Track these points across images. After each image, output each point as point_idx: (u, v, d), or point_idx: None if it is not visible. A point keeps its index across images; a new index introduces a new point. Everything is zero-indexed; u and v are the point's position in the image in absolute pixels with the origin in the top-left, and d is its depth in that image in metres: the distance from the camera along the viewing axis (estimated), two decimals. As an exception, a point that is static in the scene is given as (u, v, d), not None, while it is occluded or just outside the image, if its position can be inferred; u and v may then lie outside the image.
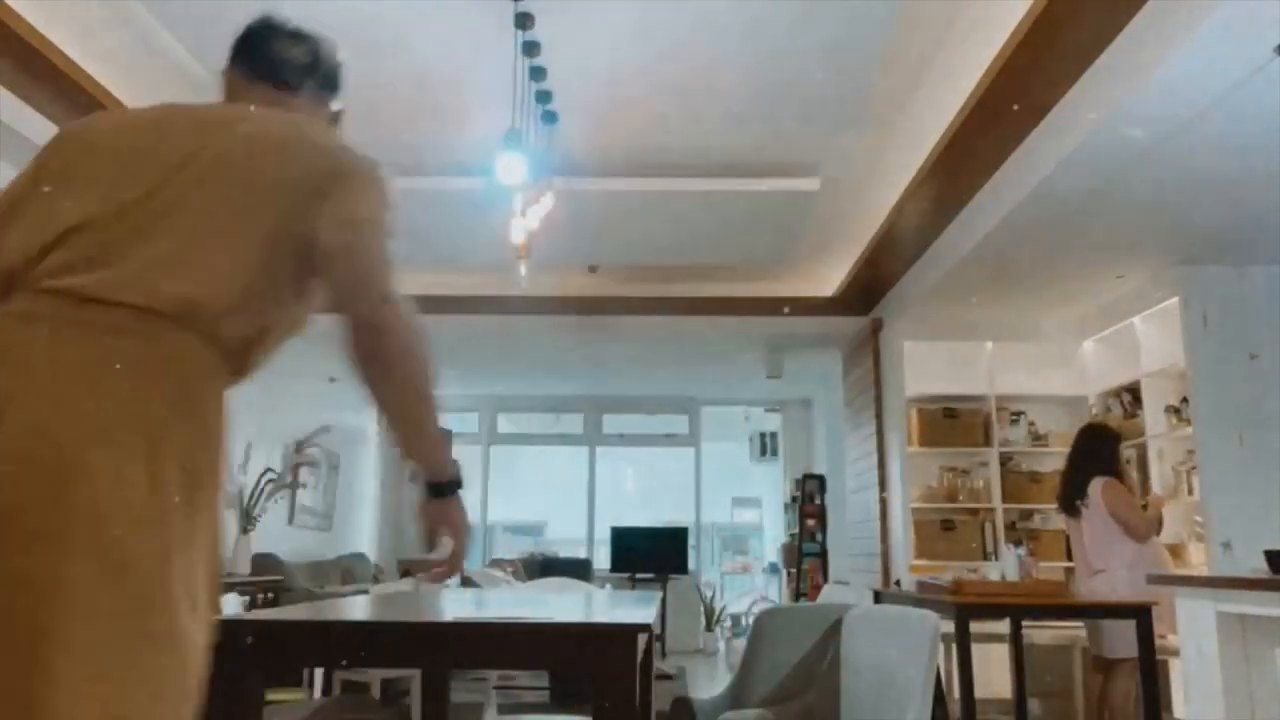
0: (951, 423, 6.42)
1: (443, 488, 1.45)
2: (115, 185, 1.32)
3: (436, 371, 1.37)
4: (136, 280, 1.25)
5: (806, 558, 9.13)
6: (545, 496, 11.66)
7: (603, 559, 9.77)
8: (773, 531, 11.09)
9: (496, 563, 8.07)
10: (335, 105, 1.64)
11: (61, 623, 1.09)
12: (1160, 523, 4.58)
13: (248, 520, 6.33)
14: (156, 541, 1.17)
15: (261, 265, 1.32)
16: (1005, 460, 6.38)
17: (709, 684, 6.90)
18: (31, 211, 1.32)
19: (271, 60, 1.54)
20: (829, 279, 6.72)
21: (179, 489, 1.21)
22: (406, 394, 1.35)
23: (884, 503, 6.69)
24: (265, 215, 1.33)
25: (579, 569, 8.93)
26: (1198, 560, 5.03)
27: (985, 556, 6.11)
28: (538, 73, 3.82)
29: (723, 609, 9.49)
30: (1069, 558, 5.51)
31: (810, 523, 9.21)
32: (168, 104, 1.46)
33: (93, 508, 1.13)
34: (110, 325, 1.22)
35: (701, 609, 9.42)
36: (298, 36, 1.58)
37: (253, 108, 1.49)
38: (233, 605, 3.27)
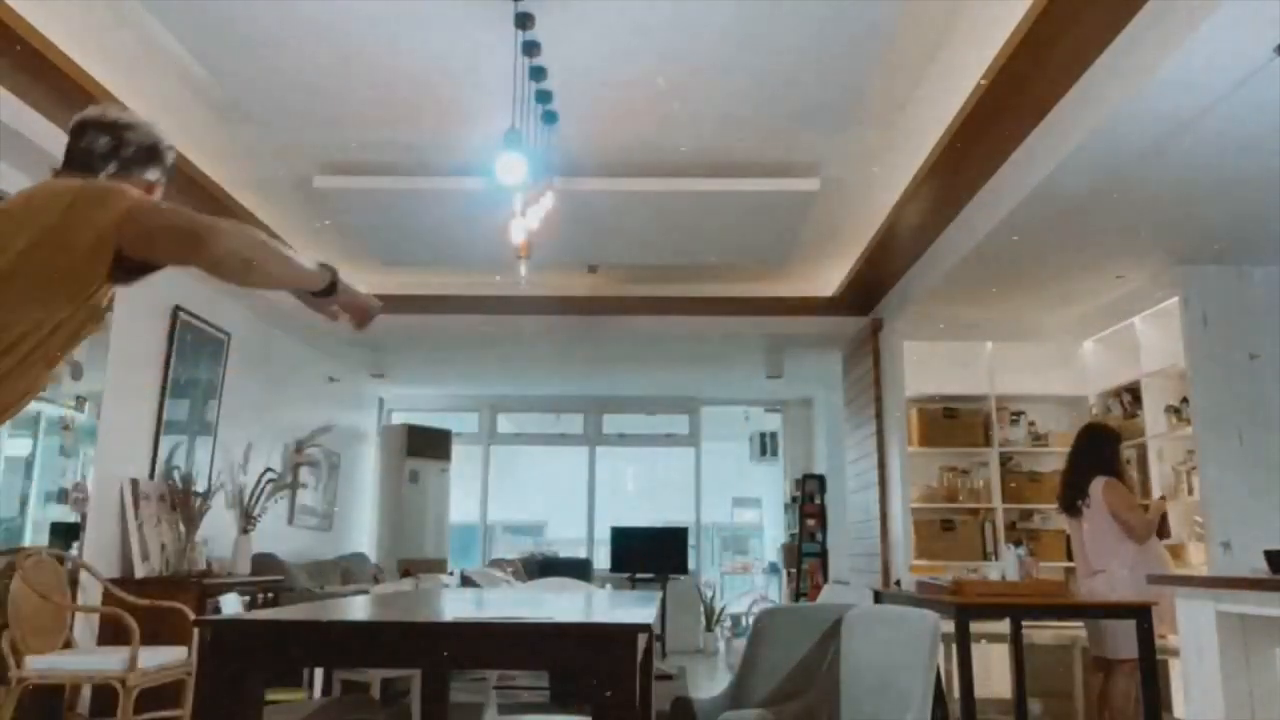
0: (951, 423, 6.42)
1: (330, 286, 1.85)
2: None
3: (264, 237, 1.70)
4: None
5: (806, 558, 9.13)
6: (545, 496, 11.65)
7: (603, 559, 9.76)
8: (773, 531, 11.08)
9: (496, 563, 8.08)
10: (150, 176, 1.92)
11: None
12: (1166, 524, 4.57)
13: (248, 520, 6.33)
14: None
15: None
16: (1005, 460, 6.38)
17: (709, 684, 6.90)
18: None
19: (74, 151, 1.86)
20: (829, 279, 6.71)
21: None
22: (282, 270, 1.76)
23: (884, 503, 6.69)
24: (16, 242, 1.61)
25: (579, 569, 8.93)
26: (1198, 560, 5.03)
27: (985, 556, 6.11)
28: (538, 73, 3.82)
29: (723, 609, 9.49)
30: (1069, 558, 5.51)
31: (810, 523, 9.22)
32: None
33: None
34: None
35: (701, 609, 9.42)
36: (107, 126, 1.87)
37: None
38: (233, 605, 3.27)
